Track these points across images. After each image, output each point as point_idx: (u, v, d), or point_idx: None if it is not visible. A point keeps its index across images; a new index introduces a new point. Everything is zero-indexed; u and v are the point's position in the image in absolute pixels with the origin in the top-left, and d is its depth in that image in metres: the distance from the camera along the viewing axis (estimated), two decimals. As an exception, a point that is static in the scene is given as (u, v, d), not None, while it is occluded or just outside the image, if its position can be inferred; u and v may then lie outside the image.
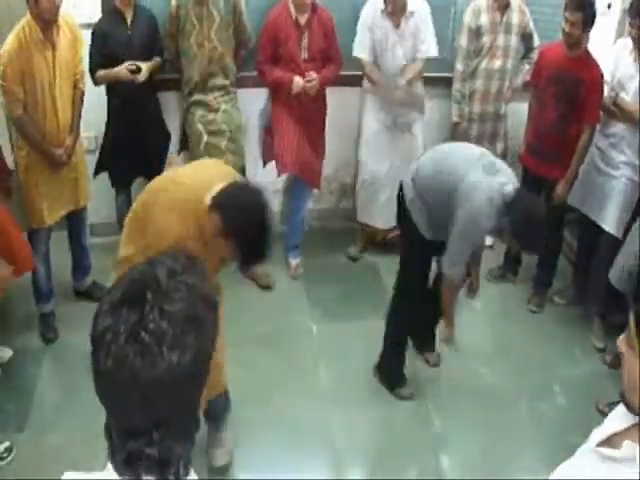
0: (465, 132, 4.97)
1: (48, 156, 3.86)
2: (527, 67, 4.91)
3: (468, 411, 3.84)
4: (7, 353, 3.93)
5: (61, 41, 3.75)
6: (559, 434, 3.65)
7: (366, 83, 4.85)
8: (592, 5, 4.29)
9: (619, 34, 5.04)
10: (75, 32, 3.87)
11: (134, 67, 4.13)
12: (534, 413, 3.88)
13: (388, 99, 4.74)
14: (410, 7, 4.54)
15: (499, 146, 5.05)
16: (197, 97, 4.45)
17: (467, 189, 3.23)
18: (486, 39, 4.77)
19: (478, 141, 4.91)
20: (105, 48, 4.15)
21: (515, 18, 4.78)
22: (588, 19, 4.24)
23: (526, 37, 4.87)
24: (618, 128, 4.34)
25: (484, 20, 4.75)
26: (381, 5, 4.52)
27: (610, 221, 4.39)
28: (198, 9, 4.30)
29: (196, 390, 1.20)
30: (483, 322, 4.56)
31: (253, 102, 4.85)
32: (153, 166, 4.28)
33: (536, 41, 4.89)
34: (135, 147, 4.35)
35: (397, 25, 4.57)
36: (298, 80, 4.45)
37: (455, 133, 4.99)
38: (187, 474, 1.22)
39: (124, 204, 4.61)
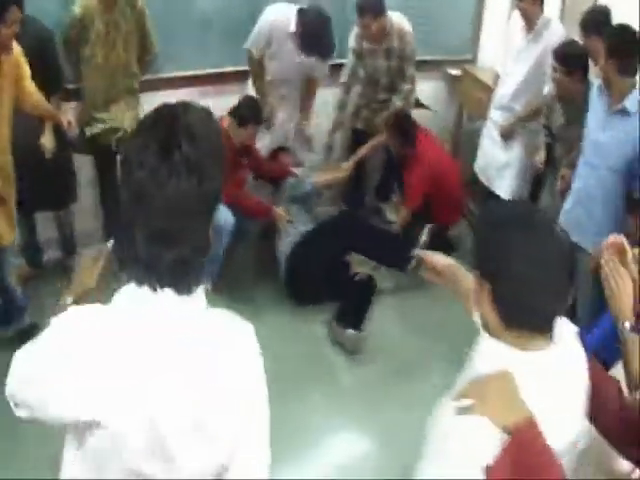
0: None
1: None
2: (398, 103, 5.03)
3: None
4: None
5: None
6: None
7: None
8: None
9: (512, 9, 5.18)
10: (19, 57, 3.59)
11: None
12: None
13: None
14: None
15: None
16: (99, 115, 4.34)
17: None
18: (368, 61, 4.99)
19: None
20: None
21: (395, 42, 4.87)
22: None
23: (402, 60, 4.94)
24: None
25: (366, 45, 4.91)
26: (292, 26, 4.58)
27: (505, 189, 4.84)
28: (106, 17, 4.18)
29: (207, 215, 1.38)
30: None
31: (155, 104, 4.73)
32: (56, 200, 4.08)
33: (410, 70, 4.99)
34: (34, 179, 3.83)
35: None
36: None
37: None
38: (198, 285, 1.40)
39: (29, 236, 4.50)
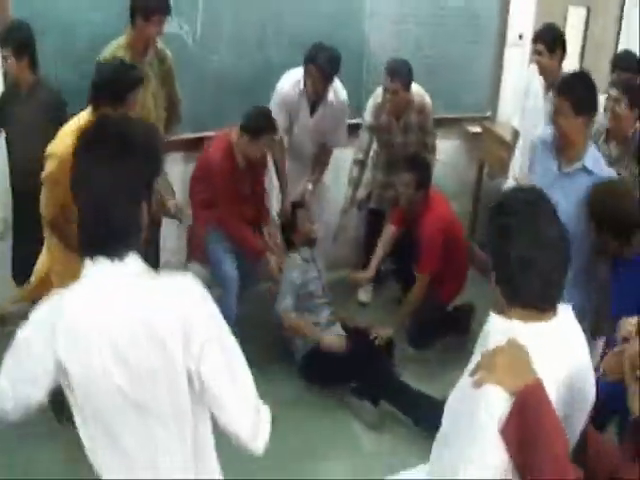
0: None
1: None
2: None
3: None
4: None
5: None
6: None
7: None
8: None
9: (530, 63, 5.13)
10: None
11: None
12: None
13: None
14: (330, 97, 4.58)
15: None
16: None
17: None
18: (384, 137, 4.86)
19: None
20: None
21: (412, 117, 4.77)
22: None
23: (424, 133, 4.86)
24: None
25: (383, 119, 4.78)
26: (301, 85, 4.50)
27: None
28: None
29: (135, 198, 1.63)
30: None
31: (175, 166, 4.71)
32: None
33: (431, 141, 4.92)
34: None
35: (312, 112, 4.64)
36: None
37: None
38: (128, 253, 1.64)
39: None
